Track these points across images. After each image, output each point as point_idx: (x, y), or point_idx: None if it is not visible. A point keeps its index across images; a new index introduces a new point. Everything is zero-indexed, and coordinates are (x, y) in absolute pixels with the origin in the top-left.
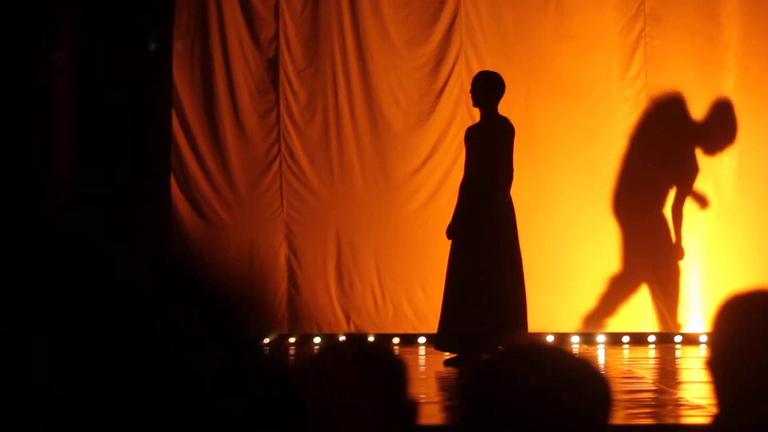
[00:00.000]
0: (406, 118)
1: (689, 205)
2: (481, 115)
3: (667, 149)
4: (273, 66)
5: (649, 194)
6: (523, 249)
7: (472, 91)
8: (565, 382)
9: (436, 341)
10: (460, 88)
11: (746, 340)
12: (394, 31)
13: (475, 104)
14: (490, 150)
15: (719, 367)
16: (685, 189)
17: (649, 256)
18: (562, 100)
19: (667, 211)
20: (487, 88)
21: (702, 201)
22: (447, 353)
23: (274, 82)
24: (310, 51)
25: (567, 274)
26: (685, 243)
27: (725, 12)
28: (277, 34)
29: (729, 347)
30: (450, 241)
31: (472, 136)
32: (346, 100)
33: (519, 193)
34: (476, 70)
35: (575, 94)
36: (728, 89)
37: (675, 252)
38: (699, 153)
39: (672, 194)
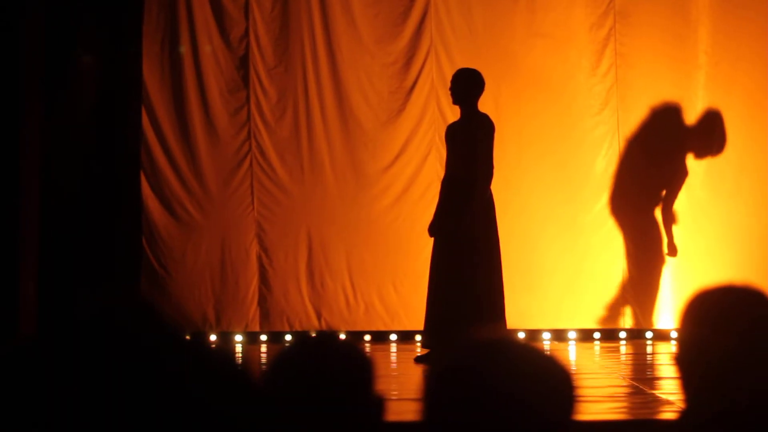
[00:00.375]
0: (377, 115)
1: (659, 203)
2: (462, 113)
3: (639, 146)
4: (243, 64)
5: (622, 191)
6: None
7: (451, 89)
8: (526, 377)
9: (422, 340)
10: (430, 85)
11: (709, 334)
12: (364, 29)
13: (455, 102)
14: (472, 147)
15: (685, 361)
16: (662, 186)
17: (621, 253)
18: (532, 97)
19: (642, 208)
20: (468, 85)
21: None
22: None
23: (245, 80)
24: (280, 49)
25: (539, 272)
26: (656, 240)
27: (695, 9)
28: (247, 33)
29: (693, 341)
30: (431, 239)
31: (452, 133)
32: (316, 97)
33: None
34: (447, 67)
35: (546, 91)
36: (698, 86)
37: (669, 249)
38: (670, 150)
39: (644, 191)
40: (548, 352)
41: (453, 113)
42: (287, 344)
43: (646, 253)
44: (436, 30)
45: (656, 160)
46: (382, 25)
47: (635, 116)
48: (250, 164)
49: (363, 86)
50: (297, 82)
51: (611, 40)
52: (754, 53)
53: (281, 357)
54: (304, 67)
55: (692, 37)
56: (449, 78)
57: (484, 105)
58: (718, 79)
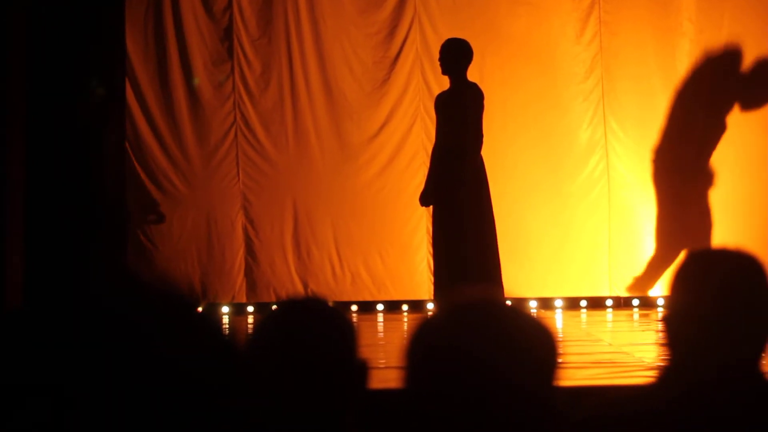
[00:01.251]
0: (361, 85)
1: (643, 170)
2: (451, 83)
3: (624, 113)
4: (227, 36)
5: (606, 159)
6: None
7: (440, 59)
8: (508, 341)
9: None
10: (414, 54)
11: (700, 296)
12: None
13: (444, 72)
14: (462, 117)
15: (672, 322)
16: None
17: (606, 221)
18: (517, 66)
19: (628, 176)
20: (457, 56)
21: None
22: None
23: (229, 52)
24: (263, 20)
25: (525, 240)
26: (643, 207)
27: None
28: (230, 4)
29: (684, 303)
30: (418, 209)
31: (442, 103)
32: (300, 68)
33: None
34: (430, 37)
35: (531, 60)
36: (683, 54)
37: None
38: (654, 118)
39: (632, 159)
40: (533, 317)
41: (437, 82)
42: (271, 309)
43: (632, 221)
44: None
45: (642, 126)
46: None
47: (620, 84)
48: (235, 136)
49: (347, 56)
50: (281, 53)
51: (595, 8)
52: (737, 21)
53: (265, 321)
54: (288, 38)
55: (676, 5)
56: (434, 47)
57: (470, 76)
58: (702, 47)
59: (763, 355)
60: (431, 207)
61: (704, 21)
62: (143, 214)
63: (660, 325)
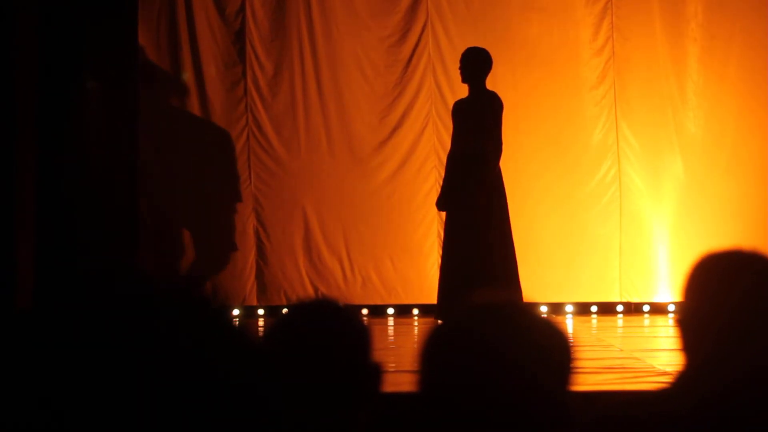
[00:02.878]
0: (373, 89)
1: (655, 175)
2: (470, 90)
3: (635, 118)
4: (239, 38)
5: (618, 165)
6: None
7: (461, 68)
8: (525, 345)
9: (437, 312)
10: (427, 58)
11: (718, 299)
12: (359, 2)
13: (464, 80)
14: (479, 124)
15: (689, 326)
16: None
17: (617, 227)
18: (529, 71)
19: (639, 182)
20: (477, 64)
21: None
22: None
23: (241, 54)
24: (276, 23)
25: (537, 246)
26: (652, 213)
27: None
28: (243, 7)
29: (701, 306)
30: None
31: (460, 110)
32: (312, 72)
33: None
34: (443, 41)
35: (542, 65)
36: (694, 60)
37: None
38: (665, 123)
39: (644, 165)
40: (549, 320)
41: (450, 87)
42: (286, 310)
43: (643, 226)
44: (432, 3)
45: (652, 132)
46: None
47: (632, 89)
48: (247, 139)
49: (359, 60)
50: (293, 56)
51: (608, 13)
52: (748, 27)
53: (278, 323)
54: (300, 41)
55: (687, 11)
56: (446, 52)
57: None
58: (713, 52)
59: None
60: (444, 213)
61: (715, 26)
62: (155, 217)
63: (675, 329)
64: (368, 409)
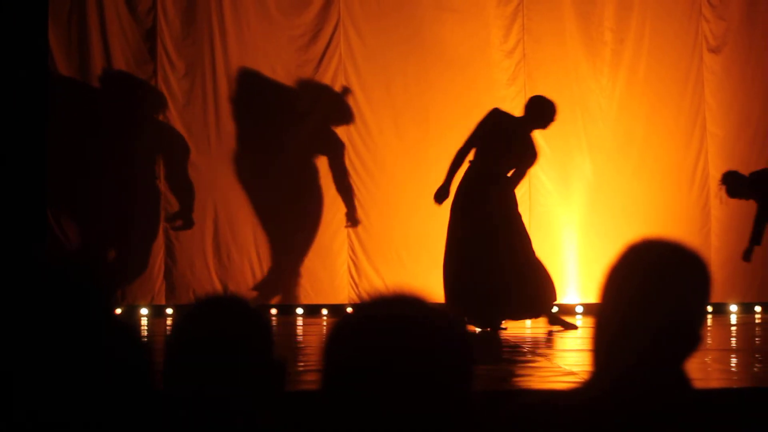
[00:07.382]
0: (284, 88)
1: (564, 176)
2: (525, 122)
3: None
4: (151, 37)
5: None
6: (399, 224)
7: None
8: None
9: (477, 322)
10: (338, 58)
11: (620, 293)
12: (271, 1)
13: (527, 114)
14: (513, 151)
15: (597, 324)
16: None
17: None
18: (441, 72)
19: (549, 184)
20: (546, 116)
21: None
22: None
23: (152, 52)
24: (187, 21)
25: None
26: (560, 214)
27: None
28: (154, 5)
29: (606, 302)
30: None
31: (502, 128)
32: (223, 70)
33: (394, 162)
34: (354, 40)
35: (454, 65)
36: (603, 61)
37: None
38: (575, 125)
39: (554, 167)
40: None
41: (360, 86)
42: (188, 308)
43: (552, 228)
44: (344, 3)
45: (562, 134)
46: None
47: (542, 91)
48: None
49: (270, 59)
50: (204, 55)
51: (519, 15)
52: (656, 30)
53: (182, 319)
54: (212, 40)
55: (597, 14)
56: (357, 51)
57: (394, 77)
58: (622, 56)
59: (692, 349)
60: (450, 218)
61: (625, 30)
62: (61, 214)
63: (593, 329)
64: (271, 406)
